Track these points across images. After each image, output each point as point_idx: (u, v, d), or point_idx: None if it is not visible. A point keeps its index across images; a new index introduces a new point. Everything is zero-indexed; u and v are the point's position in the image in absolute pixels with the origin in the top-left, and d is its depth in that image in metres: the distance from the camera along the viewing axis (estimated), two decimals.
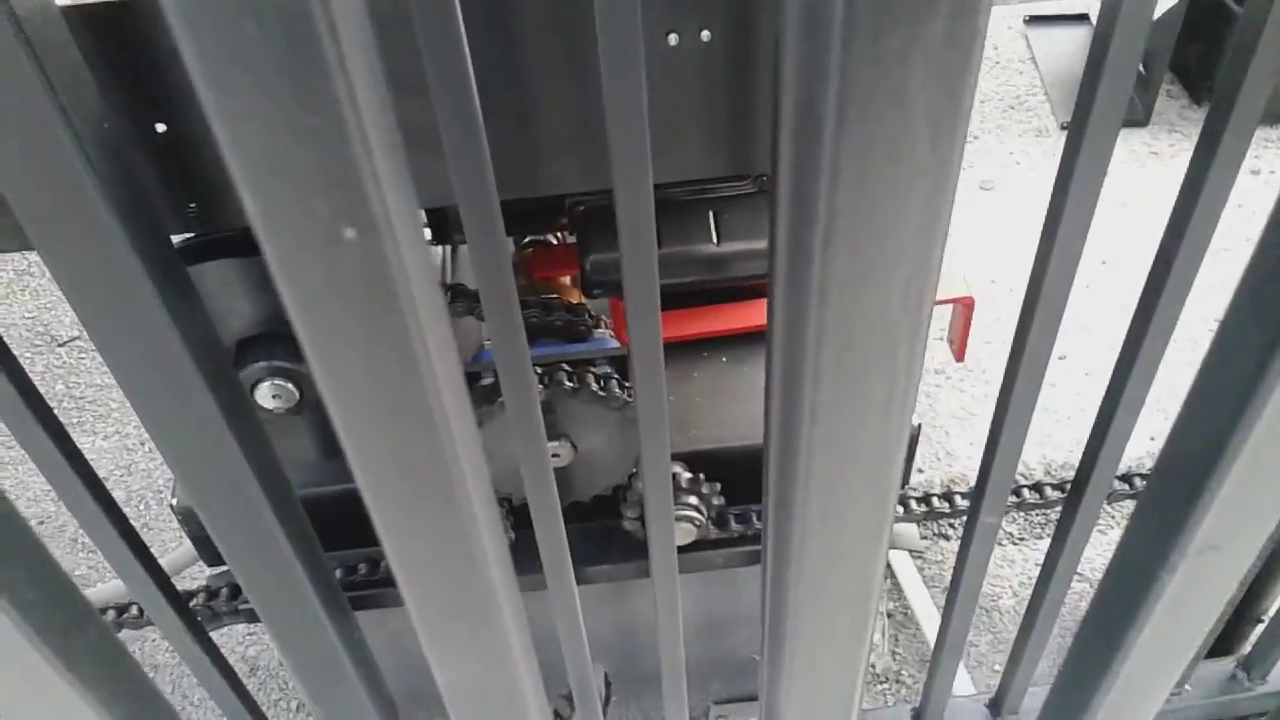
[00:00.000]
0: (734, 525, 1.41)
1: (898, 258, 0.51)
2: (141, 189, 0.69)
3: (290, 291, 0.40)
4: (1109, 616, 0.92)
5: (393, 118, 0.36)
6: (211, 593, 1.43)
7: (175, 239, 0.95)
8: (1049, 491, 1.54)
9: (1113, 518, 2.38)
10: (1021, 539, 2.33)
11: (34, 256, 3.28)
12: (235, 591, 1.44)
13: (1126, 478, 1.56)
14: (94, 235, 0.64)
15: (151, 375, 0.73)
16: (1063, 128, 3.38)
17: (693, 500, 1.36)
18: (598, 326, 1.33)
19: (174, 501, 1.39)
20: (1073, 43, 3.76)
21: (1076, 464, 1.10)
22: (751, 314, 1.43)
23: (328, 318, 0.41)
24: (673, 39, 0.72)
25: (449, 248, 1.57)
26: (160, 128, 0.73)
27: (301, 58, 0.32)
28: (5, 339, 0.77)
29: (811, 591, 0.76)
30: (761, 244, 1.11)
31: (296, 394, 1.09)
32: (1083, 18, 3.83)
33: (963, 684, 1.95)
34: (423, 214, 1.31)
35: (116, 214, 0.64)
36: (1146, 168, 3.15)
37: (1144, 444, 2.37)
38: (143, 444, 2.76)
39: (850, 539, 0.72)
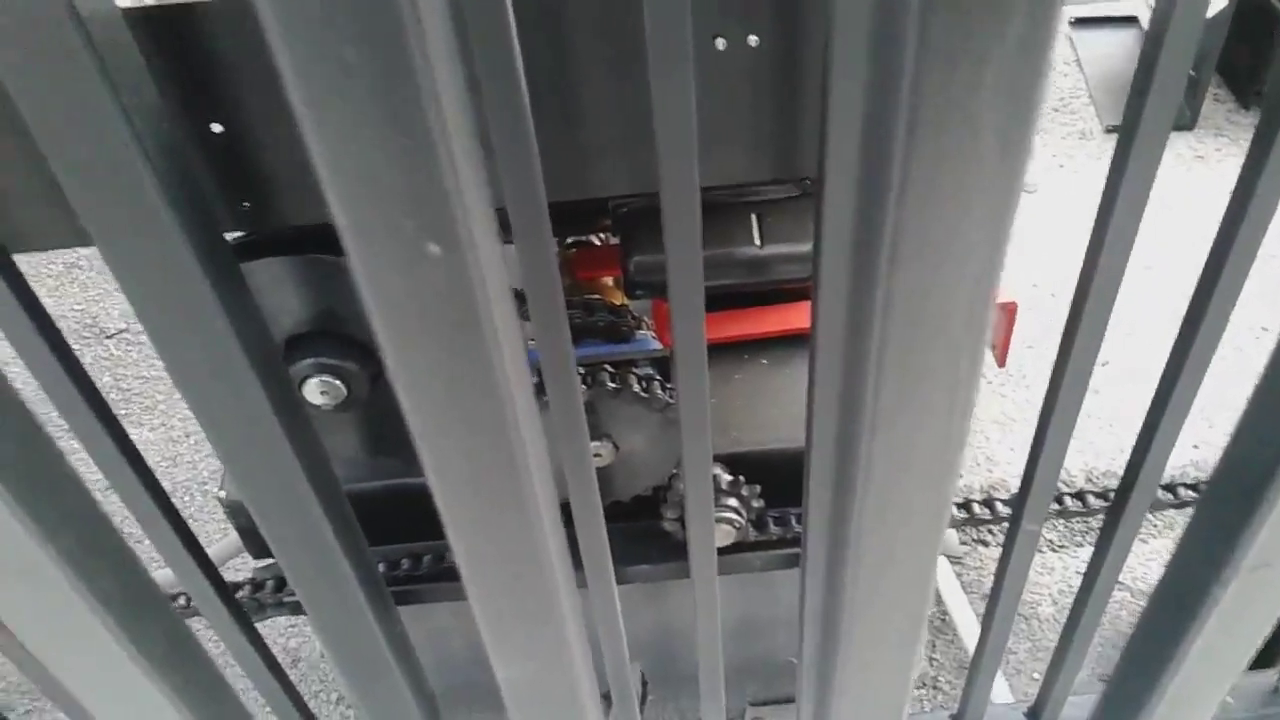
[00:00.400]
0: (773, 528, 1.41)
1: (962, 270, 0.51)
2: (197, 187, 0.71)
3: (374, 302, 0.42)
4: (1159, 629, 0.91)
5: (477, 140, 0.37)
6: (257, 585, 1.46)
7: (229, 236, 0.97)
8: (1091, 499, 1.52)
9: (1154, 526, 2.35)
10: (1062, 546, 2.31)
11: (84, 250, 3.34)
12: (280, 584, 1.46)
13: (1170, 486, 1.54)
14: (151, 233, 0.66)
15: (204, 369, 0.75)
16: (1107, 130, 3.35)
17: (732, 502, 1.36)
18: (640, 328, 1.34)
19: (222, 494, 1.42)
20: (1118, 45, 3.72)
21: (1119, 471, 1.09)
22: (793, 317, 1.43)
23: (409, 328, 0.42)
24: (720, 43, 0.72)
25: None
26: (216, 128, 0.75)
27: (397, 85, 0.33)
28: None
29: (865, 598, 0.76)
30: (804, 247, 1.12)
31: (344, 390, 1.11)
32: (1131, 20, 3.79)
33: (1001, 692, 1.94)
34: None
35: (173, 212, 0.65)
36: (1192, 171, 3.11)
37: (1187, 452, 2.34)
38: (188, 436, 2.81)
39: (905, 546, 0.72)
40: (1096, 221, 0.82)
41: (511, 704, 0.75)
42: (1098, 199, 0.82)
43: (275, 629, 2.32)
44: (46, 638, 0.77)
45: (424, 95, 0.33)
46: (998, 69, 0.41)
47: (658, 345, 1.34)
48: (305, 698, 1.22)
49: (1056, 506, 1.55)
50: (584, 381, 1.25)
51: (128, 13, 0.64)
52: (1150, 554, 2.30)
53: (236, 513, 1.40)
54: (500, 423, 0.48)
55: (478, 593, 0.63)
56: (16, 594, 0.72)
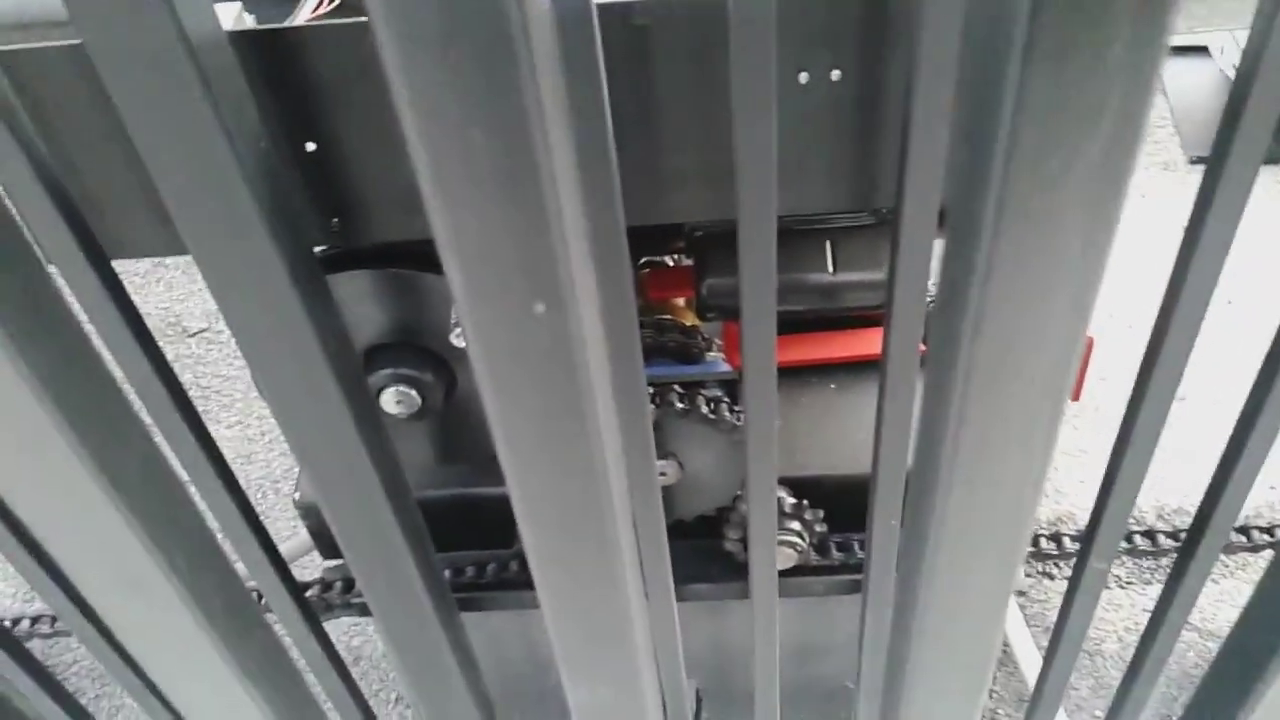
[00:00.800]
0: (835, 553, 1.41)
1: (1042, 346, 0.51)
2: (290, 203, 0.73)
3: (481, 353, 0.44)
4: (1230, 675, 0.90)
5: (615, 199, 0.39)
6: (326, 585, 1.49)
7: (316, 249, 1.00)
8: (1162, 539, 1.50)
9: (1225, 567, 2.30)
10: (1129, 583, 2.27)
11: None
12: (347, 585, 1.49)
13: (1244, 529, 1.51)
14: (244, 244, 0.69)
15: (288, 375, 0.77)
16: (1192, 162, 3.28)
17: (795, 526, 1.36)
18: (710, 349, 1.35)
19: (297, 496, 1.45)
20: (1197, 75, 3.64)
21: (1190, 509, 1.08)
22: (862, 342, 1.43)
23: (511, 378, 0.44)
24: (803, 77, 0.73)
25: None
26: (310, 147, 0.78)
27: (518, 166, 0.35)
28: None
29: (935, 633, 0.76)
30: (877, 275, 1.12)
31: (418, 400, 1.13)
32: (1201, 50, 3.71)
33: None
34: None
35: (266, 226, 0.68)
36: (1278, 203, 3.04)
37: (1264, 493, 2.29)
38: (263, 435, 2.87)
39: (979, 582, 0.72)
40: (1180, 255, 0.81)
41: None
42: (1179, 231, 0.81)
43: (338, 628, 2.36)
44: (149, 645, 0.80)
45: (542, 176, 0.35)
46: (1086, 167, 0.41)
47: (727, 368, 1.35)
48: (365, 696, 1.24)
49: (1126, 545, 1.53)
50: (652, 401, 1.27)
51: (232, 35, 0.67)
52: (1220, 595, 2.25)
53: (309, 514, 1.43)
54: (591, 471, 0.49)
55: (557, 623, 0.64)
56: (126, 604, 0.75)
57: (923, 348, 0.85)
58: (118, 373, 0.74)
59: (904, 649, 0.79)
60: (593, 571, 0.58)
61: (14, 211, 0.65)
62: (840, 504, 1.38)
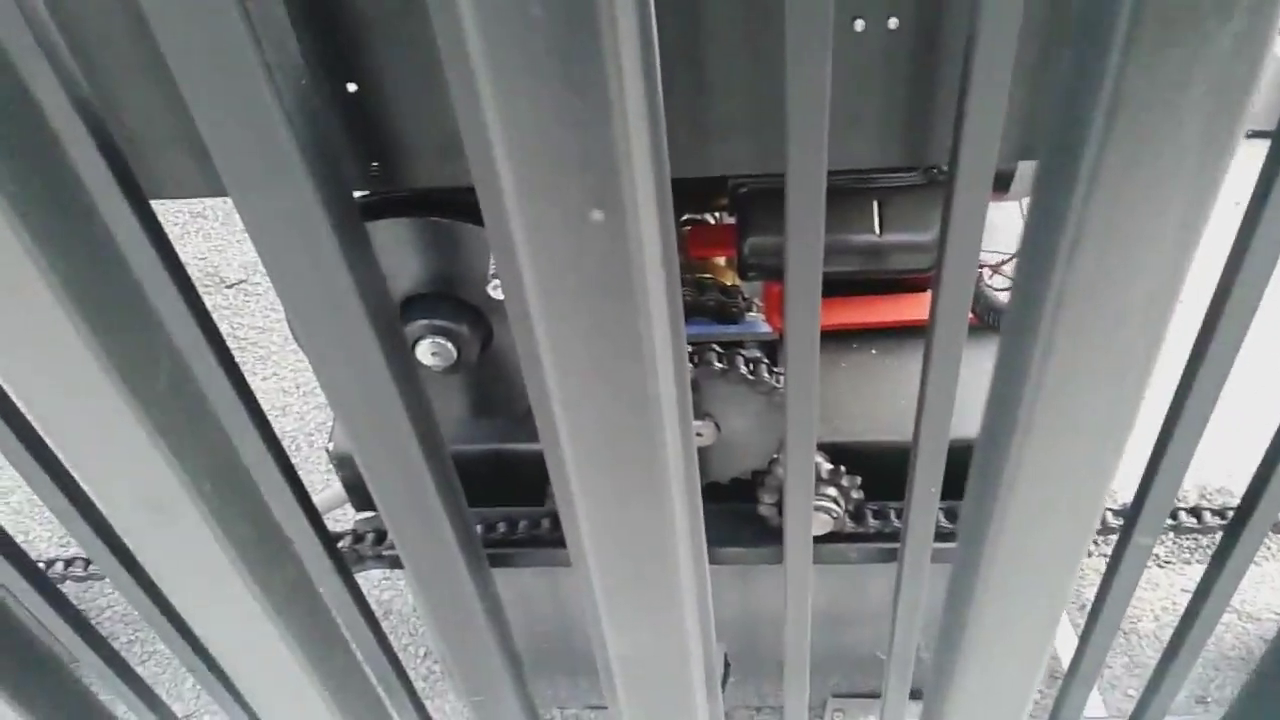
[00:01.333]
0: (871, 521, 1.39)
1: (1144, 273, 0.48)
2: (330, 145, 0.72)
3: (529, 263, 0.42)
4: None
5: (659, 105, 0.37)
6: (358, 536, 1.49)
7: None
8: (1208, 517, 1.47)
9: (1267, 549, 2.26)
10: (1169, 562, 2.23)
11: (210, 200, 3.45)
12: (379, 537, 1.49)
13: None
14: (284, 187, 0.67)
15: (325, 322, 0.76)
16: (1250, 135, 3.19)
17: (831, 492, 1.35)
18: (750, 310, 1.33)
19: (330, 446, 1.45)
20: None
21: (1233, 489, 1.05)
22: (906, 307, 1.40)
23: (562, 292, 0.42)
24: (859, 25, 0.71)
25: None
26: (351, 87, 0.76)
27: (580, 44, 0.33)
28: None
29: (1000, 600, 0.74)
30: (927, 237, 1.09)
31: (454, 353, 1.12)
32: None
33: (1094, 706, 1.89)
34: None
35: (306, 167, 0.67)
36: None
37: None
38: (298, 388, 2.89)
39: (1047, 552, 0.69)
40: (1240, 231, 0.78)
41: (621, 679, 0.75)
42: (1231, 206, 0.78)
43: (369, 581, 2.38)
44: (174, 573, 0.80)
45: (607, 57, 0.33)
46: (1208, 67, 0.38)
47: (766, 328, 1.33)
48: (394, 650, 1.25)
49: (1171, 522, 1.50)
50: (690, 360, 1.25)
51: None
52: (1261, 578, 2.21)
53: (343, 465, 1.43)
54: (645, 396, 0.47)
55: (598, 563, 0.63)
56: (154, 532, 0.74)
57: (971, 316, 0.83)
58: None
59: (960, 623, 0.77)
60: (643, 511, 0.56)
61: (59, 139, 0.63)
62: (879, 471, 1.36)
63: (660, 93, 0.53)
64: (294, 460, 2.75)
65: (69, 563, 1.92)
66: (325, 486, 2.34)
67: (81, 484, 0.71)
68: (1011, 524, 0.65)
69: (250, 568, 0.79)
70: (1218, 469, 2.34)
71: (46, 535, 2.60)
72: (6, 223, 0.54)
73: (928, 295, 1.46)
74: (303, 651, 0.89)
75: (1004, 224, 1.60)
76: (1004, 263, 1.47)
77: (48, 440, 0.68)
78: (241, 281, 3.26)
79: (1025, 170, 1.22)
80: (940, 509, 1.00)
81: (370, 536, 1.49)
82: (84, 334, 0.60)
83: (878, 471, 1.37)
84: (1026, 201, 1.62)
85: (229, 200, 0.69)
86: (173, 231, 3.43)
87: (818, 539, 1.36)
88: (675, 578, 0.62)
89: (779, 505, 1.38)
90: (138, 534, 0.75)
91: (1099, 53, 0.39)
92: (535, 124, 0.35)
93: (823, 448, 1.37)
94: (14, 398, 0.65)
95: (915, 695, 1.59)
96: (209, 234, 3.42)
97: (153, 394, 0.67)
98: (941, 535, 1.07)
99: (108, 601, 2.45)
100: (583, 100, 0.34)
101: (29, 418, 0.66)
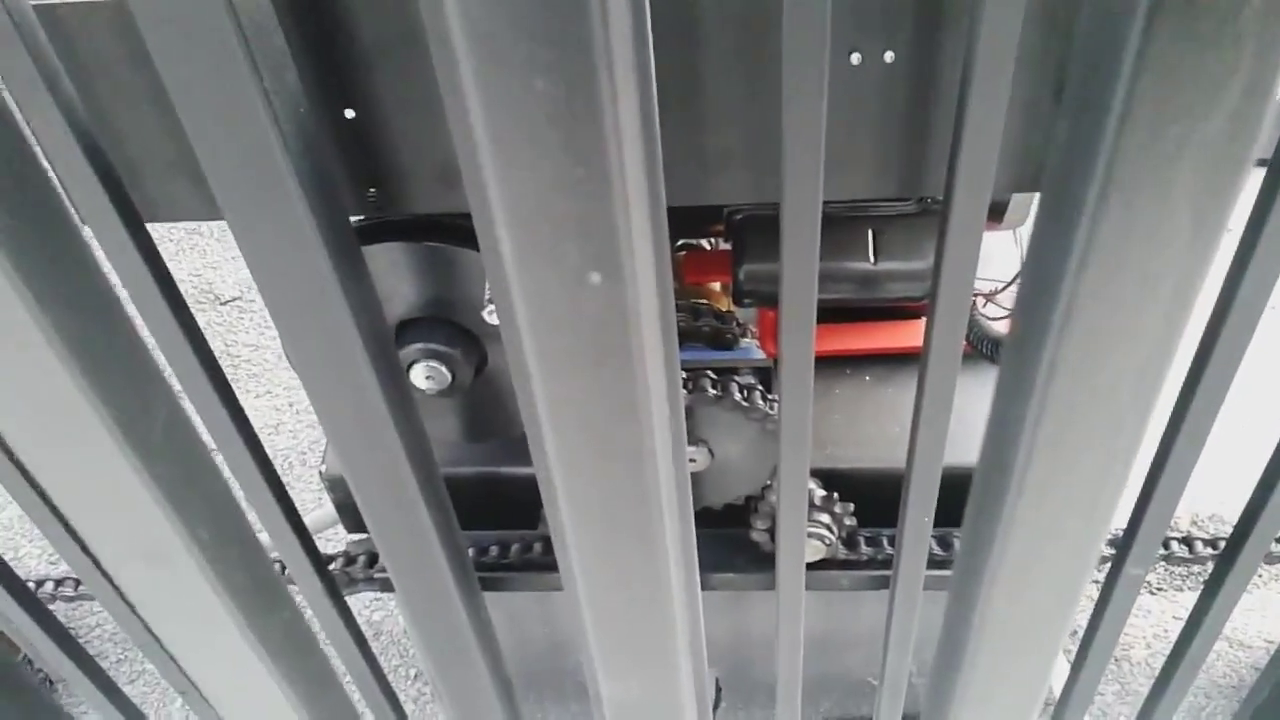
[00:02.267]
0: (864, 548, 1.39)
1: (1135, 343, 0.49)
2: (327, 171, 0.72)
3: (527, 323, 0.42)
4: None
5: (659, 171, 0.37)
6: (349, 559, 1.49)
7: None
8: (1199, 546, 1.47)
9: (1259, 577, 2.26)
10: (1160, 589, 2.23)
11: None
12: (371, 560, 1.49)
13: None
14: (281, 211, 0.67)
15: (320, 345, 0.76)
16: (1258, 163, 3.21)
17: (824, 518, 1.35)
18: (744, 336, 1.33)
19: (324, 468, 1.45)
20: None
21: (1225, 516, 1.05)
22: (900, 335, 1.41)
23: (559, 352, 0.43)
24: (855, 58, 0.71)
25: None
26: (349, 114, 0.76)
27: (582, 117, 0.33)
28: None
29: (999, 631, 0.73)
30: (920, 265, 1.10)
31: (448, 377, 1.12)
32: None
33: None
34: None
35: (303, 192, 0.67)
36: None
37: None
38: (291, 405, 2.88)
39: (1048, 583, 0.69)
40: (1236, 258, 0.79)
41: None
42: (1234, 233, 0.79)
43: (359, 602, 2.37)
44: (169, 617, 0.79)
45: (607, 129, 0.33)
46: (1201, 148, 0.38)
47: (761, 354, 1.33)
48: (384, 672, 1.24)
49: (1163, 552, 1.50)
50: (684, 385, 1.25)
51: None
52: (1250, 605, 2.21)
53: (336, 487, 1.43)
54: (640, 452, 0.48)
55: (596, 617, 0.63)
56: (146, 575, 0.74)
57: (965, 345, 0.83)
58: (147, 338, 0.73)
59: (958, 653, 0.76)
60: (636, 562, 0.56)
61: (49, 172, 0.64)
62: (871, 498, 1.36)
63: (660, 155, 0.53)
64: (287, 479, 2.74)
65: (59, 582, 1.91)
66: (316, 506, 2.34)
67: (82, 534, 0.71)
68: (1012, 555, 0.65)
69: (246, 614, 0.78)
70: (1210, 496, 2.34)
71: (36, 553, 2.58)
72: (1, 273, 0.54)
73: (921, 323, 1.47)
74: (295, 693, 0.89)
75: (998, 253, 1.61)
76: (997, 292, 1.47)
77: (48, 490, 0.67)
78: (236, 299, 3.26)
79: (1020, 200, 1.22)
80: (933, 536, 1.00)
81: (362, 558, 1.48)
82: (80, 383, 0.60)
83: (870, 498, 1.37)
84: (1021, 231, 1.62)
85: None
86: (168, 249, 3.43)
87: (810, 565, 1.36)
88: (670, 626, 0.62)
89: (771, 531, 1.38)
90: (135, 584, 0.75)
91: (1095, 128, 0.40)
92: (535, 191, 0.36)
93: (815, 474, 1.37)
94: (10, 449, 0.65)
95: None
96: (204, 251, 3.42)
97: (149, 443, 0.67)
98: (934, 563, 1.08)
99: (97, 620, 2.43)
100: (585, 169, 0.35)
101: (30, 469, 0.66)
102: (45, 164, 0.63)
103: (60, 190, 0.63)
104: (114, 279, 0.71)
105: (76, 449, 0.63)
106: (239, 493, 0.87)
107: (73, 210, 0.66)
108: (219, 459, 0.84)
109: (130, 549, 0.70)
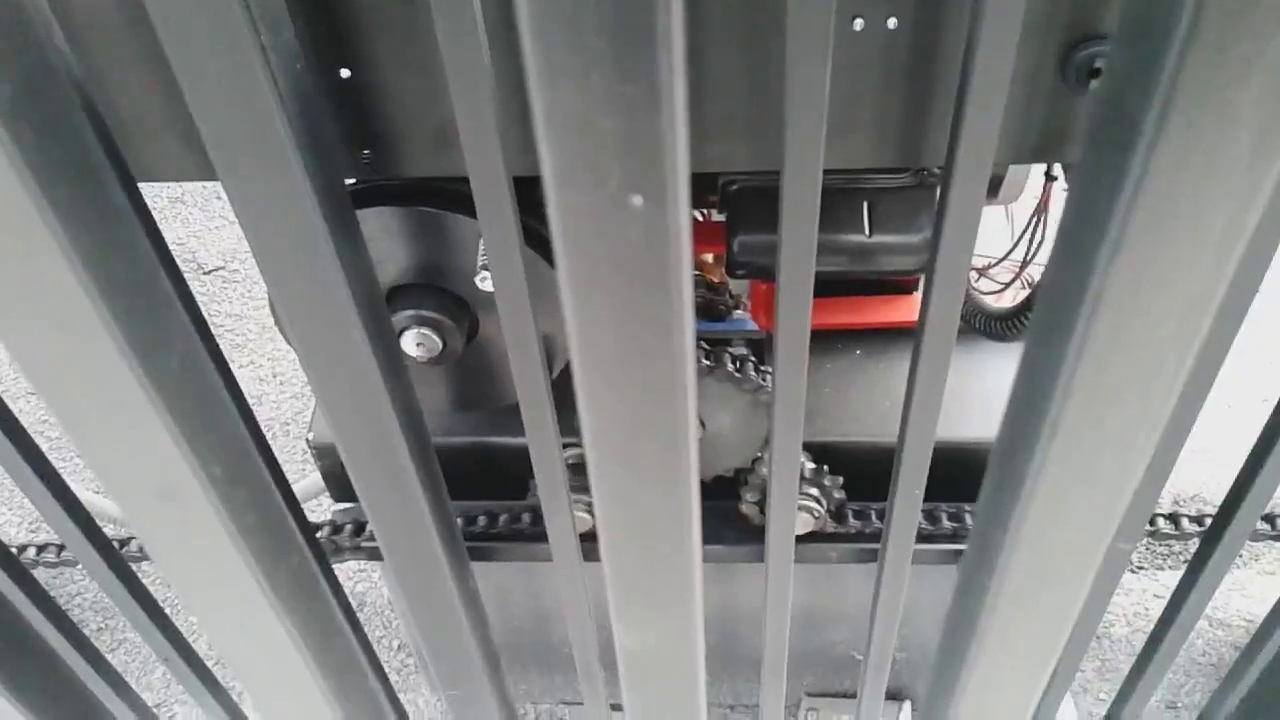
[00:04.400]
0: (852, 521, 1.39)
1: (1183, 281, 0.48)
2: (323, 131, 0.71)
3: (564, 248, 0.41)
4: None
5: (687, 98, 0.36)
6: (336, 528, 1.48)
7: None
8: (1185, 524, 1.48)
9: (1239, 556, 2.28)
10: (1141, 568, 2.25)
11: (189, 185, 3.42)
12: (357, 529, 1.48)
13: (1269, 518, 1.49)
14: (276, 170, 0.66)
15: (313, 309, 0.76)
16: None
17: (814, 491, 1.35)
18: (737, 307, 1.33)
19: (310, 436, 1.44)
20: None
21: (1207, 497, 1.06)
22: (892, 309, 1.41)
23: (597, 279, 0.42)
24: (858, 24, 0.70)
25: None
26: (345, 73, 0.75)
27: (632, 25, 0.32)
28: None
29: (1011, 609, 0.73)
30: (915, 239, 1.09)
31: (440, 344, 1.11)
32: None
33: (1066, 710, 1.90)
34: None
35: (299, 152, 0.66)
36: None
37: None
38: (275, 376, 2.86)
39: (1061, 565, 0.69)
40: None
41: (627, 674, 0.75)
42: None
43: (343, 573, 2.36)
44: (184, 563, 0.79)
45: (659, 40, 0.32)
46: (1267, 68, 0.38)
47: (753, 326, 1.33)
48: (370, 642, 1.24)
49: (1149, 528, 1.51)
50: None
51: None
52: (1232, 584, 2.23)
53: (323, 455, 1.42)
54: (672, 386, 0.47)
55: (618, 558, 0.62)
56: (163, 519, 0.73)
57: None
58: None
59: (969, 629, 0.76)
60: (662, 506, 0.56)
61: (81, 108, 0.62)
62: (860, 471, 1.36)
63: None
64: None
65: (41, 548, 1.90)
66: (301, 476, 2.33)
67: (93, 470, 0.70)
68: (1029, 531, 0.65)
69: (256, 556, 0.78)
70: (1191, 480, 2.36)
71: (16, 520, 2.57)
72: (29, 197, 0.53)
73: (913, 297, 1.47)
74: (304, 640, 0.89)
75: (991, 228, 1.61)
76: (990, 266, 1.48)
77: (60, 424, 0.66)
78: (219, 268, 3.23)
79: (1015, 175, 1.22)
80: (921, 511, 1.01)
81: (348, 528, 1.48)
82: (102, 311, 0.59)
83: (860, 471, 1.37)
84: (1013, 208, 1.62)
85: (208, 186, 0.68)
86: None
87: (799, 538, 1.36)
88: (690, 572, 0.62)
89: (761, 504, 1.38)
90: (147, 521, 0.74)
91: (1154, 51, 0.39)
92: (581, 108, 0.35)
93: (805, 447, 1.37)
94: (28, 379, 0.64)
95: (891, 696, 1.60)
96: (187, 219, 3.39)
97: (166, 376, 0.66)
98: (922, 537, 1.08)
99: (77, 589, 2.42)
100: (633, 85, 0.34)
101: (44, 400, 0.65)
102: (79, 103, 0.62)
103: (94, 131, 0.62)
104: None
105: (96, 379, 0.62)
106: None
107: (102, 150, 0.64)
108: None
109: (143, 483, 0.69)
